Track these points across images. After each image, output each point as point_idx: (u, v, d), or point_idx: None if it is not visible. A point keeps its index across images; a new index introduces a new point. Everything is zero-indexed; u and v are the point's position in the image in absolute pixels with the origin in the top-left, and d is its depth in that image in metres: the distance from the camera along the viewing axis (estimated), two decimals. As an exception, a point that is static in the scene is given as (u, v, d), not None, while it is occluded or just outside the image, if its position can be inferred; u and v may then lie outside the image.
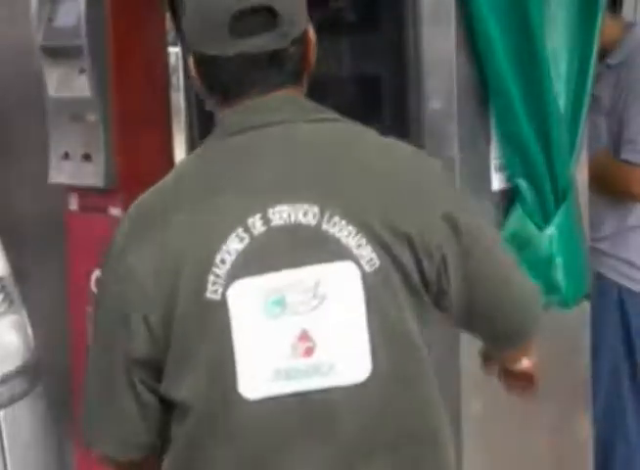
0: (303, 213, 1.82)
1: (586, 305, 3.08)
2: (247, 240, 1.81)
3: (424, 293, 1.87)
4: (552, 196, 2.86)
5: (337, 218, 1.82)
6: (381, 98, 2.99)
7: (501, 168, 2.90)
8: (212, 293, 1.79)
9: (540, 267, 2.84)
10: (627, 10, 3.93)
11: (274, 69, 1.89)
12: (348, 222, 1.82)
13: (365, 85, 3.07)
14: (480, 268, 1.94)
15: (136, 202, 1.95)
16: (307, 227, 1.82)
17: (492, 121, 2.87)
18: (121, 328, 1.82)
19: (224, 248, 1.80)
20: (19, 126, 4.00)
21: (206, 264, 1.79)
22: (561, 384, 3.07)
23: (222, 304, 1.79)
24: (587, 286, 2.97)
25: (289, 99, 1.92)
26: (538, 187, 2.86)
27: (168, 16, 3.61)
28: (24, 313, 2.27)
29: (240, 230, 1.81)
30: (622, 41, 3.71)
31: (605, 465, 3.41)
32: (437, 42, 2.83)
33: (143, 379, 1.84)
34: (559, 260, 2.85)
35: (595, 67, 2.98)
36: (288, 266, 1.82)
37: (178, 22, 3.50)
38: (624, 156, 3.61)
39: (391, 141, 1.99)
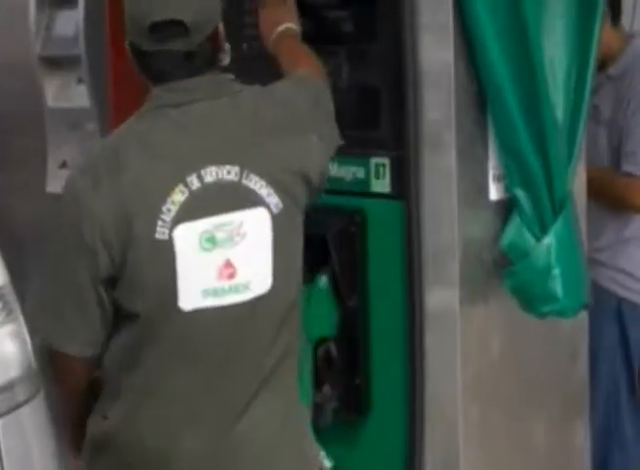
0: (227, 172, 2.37)
1: (584, 315, 3.08)
2: (186, 193, 2.34)
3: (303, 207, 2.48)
4: (550, 206, 2.86)
5: (252, 175, 2.38)
6: (379, 108, 2.99)
7: (499, 178, 2.91)
8: (161, 234, 2.32)
9: (538, 277, 2.85)
10: (624, 21, 3.93)
11: (188, 62, 2.40)
12: (261, 177, 2.38)
13: (364, 96, 3.07)
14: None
15: (85, 161, 2.56)
16: (231, 182, 2.37)
17: (490, 132, 2.88)
18: (86, 254, 2.32)
19: (169, 200, 2.33)
20: (17, 135, 4.00)
21: (156, 212, 2.32)
22: (558, 392, 3.09)
23: (169, 242, 2.33)
24: (586, 296, 2.96)
25: (204, 81, 2.44)
26: (536, 197, 2.86)
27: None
28: (22, 322, 2.27)
29: (181, 186, 2.34)
30: (623, 52, 3.72)
31: None
32: (436, 53, 2.83)
33: (106, 293, 2.34)
34: (557, 271, 2.84)
35: (593, 77, 2.98)
36: (217, 213, 2.37)
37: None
38: (625, 167, 3.62)
39: (276, 88, 2.60)
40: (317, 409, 3.01)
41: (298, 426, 2.57)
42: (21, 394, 2.18)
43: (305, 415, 2.72)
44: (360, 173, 3.03)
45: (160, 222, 2.32)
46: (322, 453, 2.91)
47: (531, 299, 2.89)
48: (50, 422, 2.26)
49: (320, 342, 3.01)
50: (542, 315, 2.91)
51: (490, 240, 2.90)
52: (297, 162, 2.44)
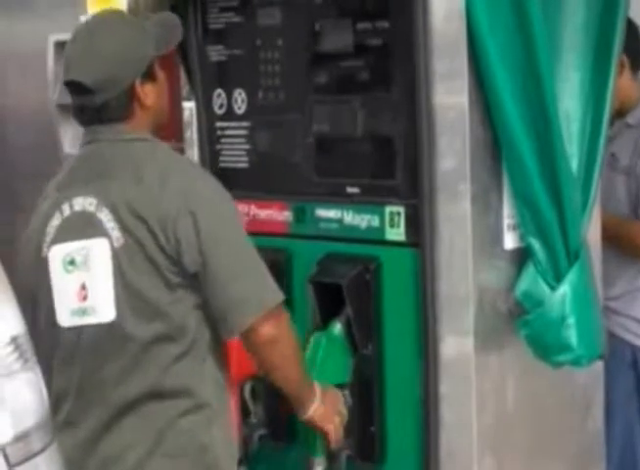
0: (89, 203, 2.69)
1: (599, 365, 3.07)
2: (60, 219, 2.72)
3: (164, 263, 2.62)
4: (564, 255, 2.86)
5: (103, 208, 2.66)
6: (394, 157, 3.01)
7: (514, 227, 2.92)
8: (44, 253, 2.73)
9: (553, 327, 2.85)
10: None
11: (98, 113, 2.73)
12: (109, 211, 2.65)
13: (378, 144, 3.08)
14: (210, 257, 2.63)
15: None
16: (90, 213, 2.69)
17: (505, 181, 2.89)
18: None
19: (50, 223, 2.73)
20: (35, 180, 4.02)
21: (42, 234, 2.74)
22: (574, 442, 3.07)
23: (46, 261, 2.73)
24: (601, 346, 2.96)
25: (107, 129, 2.75)
26: (550, 246, 2.86)
27: (183, 73, 3.67)
28: (38, 371, 2.26)
29: (57, 213, 2.73)
30: None
31: None
32: (450, 102, 2.85)
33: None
34: (571, 320, 2.84)
35: (608, 127, 2.99)
36: (77, 238, 2.70)
37: (191, 78, 3.55)
38: None
39: (177, 168, 2.75)
40: (332, 458, 3.01)
41: (181, 447, 2.70)
42: (36, 442, 2.17)
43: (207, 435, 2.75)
44: (375, 222, 3.04)
45: (44, 243, 2.74)
46: None
47: (546, 348, 2.88)
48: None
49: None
50: (557, 365, 2.91)
51: (505, 289, 2.90)
52: (146, 211, 2.64)
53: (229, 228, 2.70)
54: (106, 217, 2.67)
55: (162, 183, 2.66)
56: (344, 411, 2.95)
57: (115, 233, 2.66)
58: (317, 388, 2.84)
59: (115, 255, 2.65)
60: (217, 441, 2.72)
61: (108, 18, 2.97)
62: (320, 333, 3.03)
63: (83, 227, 2.70)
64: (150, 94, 2.77)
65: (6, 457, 2.10)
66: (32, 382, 2.19)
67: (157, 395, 2.68)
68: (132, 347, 2.67)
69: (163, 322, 2.65)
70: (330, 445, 2.91)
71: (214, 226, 2.66)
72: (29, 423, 2.14)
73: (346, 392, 3.02)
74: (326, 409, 2.85)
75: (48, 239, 2.74)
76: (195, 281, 2.64)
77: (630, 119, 3.68)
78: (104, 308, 2.67)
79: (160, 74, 2.82)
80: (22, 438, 2.11)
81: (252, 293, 2.65)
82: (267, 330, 2.65)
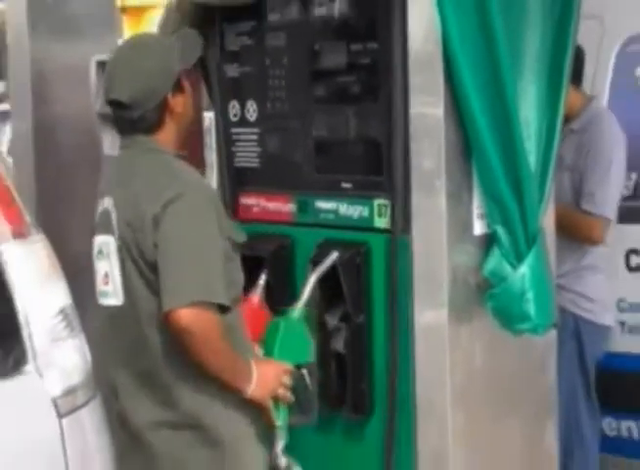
0: (110, 204, 2.67)
1: (553, 332, 3.06)
2: (97, 215, 2.72)
3: (139, 259, 2.60)
4: (524, 240, 2.84)
5: (114, 209, 2.65)
6: (381, 158, 2.98)
7: (482, 217, 2.89)
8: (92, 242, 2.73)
9: (514, 300, 2.83)
10: (585, 85, 3.95)
11: (134, 124, 2.70)
12: (116, 214, 2.64)
13: (368, 147, 3.06)
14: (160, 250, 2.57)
15: None
16: (109, 212, 2.67)
17: (474, 178, 2.87)
18: None
19: (94, 217, 2.73)
20: (81, 177, 4.03)
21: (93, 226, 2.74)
22: (531, 397, 3.06)
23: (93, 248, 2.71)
24: (554, 316, 2.95)
25: (138, 139, 2.72)
26: (513, 233, 2.84)
27: (204, 87, 3.65)
28: (83, 337, 2.26)
29: (97, 209, 2.73)
30: (584, 110, 3.74)
31: (565, 468, 3.39)
32: (429, 112, 2.82)
33: None
34: (530, 295, 2.82)
35: (560, 131, 2.99)
36: (103, 233, 2.68)
37: (211, 92, 3.54)
38: (584, 206, 3.62)
39: (173, 180, 2.66)
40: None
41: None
42: (81, 397, 2.17)
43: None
44: (365, 212, 3.02)
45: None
46: (297, 468, 2.84)
47: (509, 318, 2.87)
48: (105, 421, 2.25)
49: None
50: (518, 332, 2.90)
51: (474, 268, 2.88)
52: (133, 217, 2.62)
53: (187, 236, 2.59)
54: (114, 219, 2.66)
55: (157, 194, 2.60)
56: (287, 385, 2.75)
57: (116, 233, 2.65)
58: (254, 372, 2.64)
59: (118, 251, 2.63)
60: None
61: (140, 40, 2.95)
62: (278, 318, 2.91)
63: (106, 224, 2.68)
64: (179, 103, 2.74)
65: (56, 408, 2.10)
66: (77, 347, 2.20)
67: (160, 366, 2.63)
68: (136, 324, 2.62)
69: (147, 305, 2.61)
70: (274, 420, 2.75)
71: (173, 231, 2.58)
72: (75, 381, 2.15)
73: (305, 371, 2.88)
74: (262, 391, 2.66)
75: (94, 229, 2.75)
76: None
77: (574, 125, 3.68)
78: (117, 294, 2.64)
79: (187, 85, 2.78)
80: (69, 393, 2.11)
81: (184, 285, 2.53)
82: (184, 319, 2.49)
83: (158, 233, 2.56)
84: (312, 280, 2.94)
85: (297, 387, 2.79)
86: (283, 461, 2.78)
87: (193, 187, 2.66)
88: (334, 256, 2.96)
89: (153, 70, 2.70)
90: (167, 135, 2.74)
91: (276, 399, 2.72)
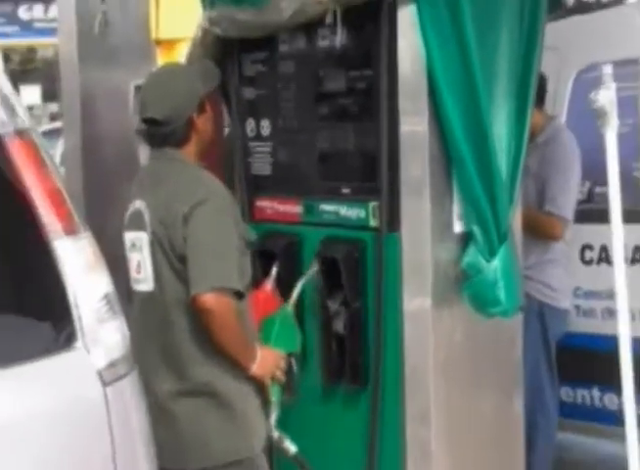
0: (140, 204, 2.68)
1: (520, 315, 3.05)
2: (128, 214, 2.72)
3: (170, 252, 2.61)
4: (496, 238, 2.84)
5: (147, 210, 2.65)
6: (376, 167, 2.97)
7: (460, 217, 2.88)
8: (123, 237, 2.73)
9: (488, 288, 2.82)
10: (547, 106, 3.94)
11: (165, 139, 2.71)
12: (149, 214, 2.64)
13: (365, 158, 3.05)
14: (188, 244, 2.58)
15: None
16: (141, 211, 2.67)
17: (454, 185, 2.86)
18: None
19: (125, 216, 2.73)
20: (121, 184, 4.01)
21: (123, 223, 2.73)
22: (501, 370, 3.04)
23: (124, 242, 2.71)
24: (521, 301, 2.94)
25: (167, 151, 2.73)
26: (486, 231, 2.83)
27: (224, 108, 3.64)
28: (123, 319, 2.25)
29: (129, 209, 2.72)
30: (546, 128, 3.73)
31: (530, 435, 3.36)
32: (416, 130, 2.82)
33: None
34: (501, 283, 2.82)
35: (526, 145, 2.97)
36: (134, 229, 2.69)
37: (230, 111, 3.53)
38: (547, 208, 3.62)
39: (199, 186, 2.68)
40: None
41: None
42: (121, 369, 2.16)
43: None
44: (362, 214, 3.01)
45: (123, 229, 2.74)
46: (287, 440, 2.82)
47: (483, 303, 2.86)
48: (141, 390, 2.24)
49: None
50: (490, 315, 2.89)
51: (454, 261, 2.87)
52: (166, 217, 2.62)
53: (211, 234, 2.61)
54: (147, 218, 2.66)
55: (186, 197, 2.61)
56: (282, 368, 2.78)
57: (149, 230, 2.64)
58: (258, 354, 2.68)
59: (150, 245, 2.64)
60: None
61: (170, 68, 2.98)
62: (274, 315, 2.92)
63: (138, 222, 2.68)
64: (202, 122, 2.74)
65: (101, 378, 2.09)
66: (118, 327, 2.18)
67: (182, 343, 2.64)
68: (163, 307, 2.64)
69: (174, 293, 2.63)
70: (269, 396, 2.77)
71: (199, 229, 2.59)
72: (116, 355, 2.13)
73: (293, 359, 2.91)
74: (264, 371, 2.70)
75: (125, 226, 2.75)
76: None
77: (538, 140, 3.67)
78: (148, 281, 2.66)
79: (209, 107, 2.78)
80: (111, 365, 2.09)
81: (208, 274, 2.55)
82: (207, 301, 2.53)
83: (187, 229, 2.58)
84: (299, 286, 2.99)
85: (288, 371, 2.83)
86: (275, 434, 2.80)
87: (216, 193, 2.68)
88: (315, 267, 3.01)
89: (181, 93, 2.71)
90: (192, 148, 2.74)
91: (272, 379, 2.75)
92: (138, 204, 2.71)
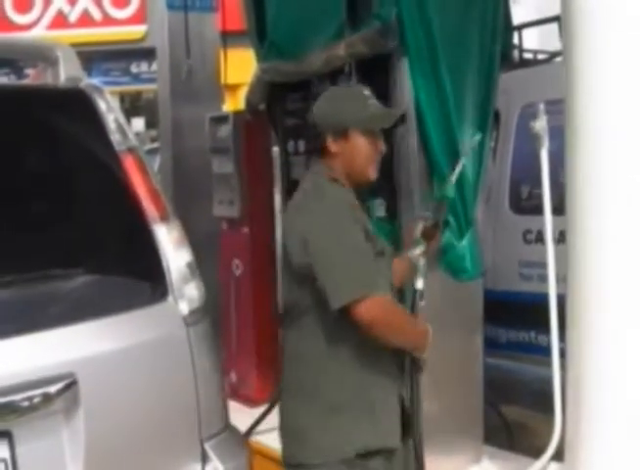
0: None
1: (480, 279, 2.97)
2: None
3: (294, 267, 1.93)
4: (465, 225, 2.78)
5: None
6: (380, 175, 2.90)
7: (439, 210, 2.82)
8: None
9: (459, 261, 2.77)
10: (500, 131, 3.83)
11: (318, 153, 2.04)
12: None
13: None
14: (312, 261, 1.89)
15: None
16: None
17: (435, 187, 2.77)
18: None
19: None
20: (201, 186, 4.03)
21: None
22: (463, 322, 2.93)
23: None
24: (482, 269, 2.88)
25: (314, 161, 2.08)
26: (458, 220, 2.77)
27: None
28: (201, 280, 2.21)
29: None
30: None
31: None
32: (407, 143, 2.74)
33: None
34: (468, 257, 2.77)
35: (487, 159, 2.91)
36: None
37: (277, 134, 3.49)
38: None
39: (312, 199, 1.99)
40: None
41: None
42: (199, 316, 2.13)
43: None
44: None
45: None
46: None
47: (455, 271, 2.81)
48: (214, 332, 2.21)
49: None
50: (460, 280, 2.83)
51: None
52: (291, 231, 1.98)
53: (330, 242, 1.90)
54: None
55: (309, 213, 1.95)
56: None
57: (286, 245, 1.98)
58: (429, 331, 2.06)
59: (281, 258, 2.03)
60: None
61: (335, 91, 2.21)
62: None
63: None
64: (337, 146, 2.03)
65: (185, 322, 2.07)
66: (198, 286, 2.15)
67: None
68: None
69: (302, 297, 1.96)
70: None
71: (318, 243, 1.90)
72: (195, 306, 2.11)
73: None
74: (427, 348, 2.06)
75: None
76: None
77: None
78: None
79: (360, 140, 2.03)
80: (192, 313, 2.06)
81: (338, 286, 1.85)
82: (360, 315, 1.82)
83: (307, 249, 1.90)
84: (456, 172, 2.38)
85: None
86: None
87: (331, 213, 1.94)
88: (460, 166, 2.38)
89: (323, 113, 2.06)
90: (330, 164, 2.02)
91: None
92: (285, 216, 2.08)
